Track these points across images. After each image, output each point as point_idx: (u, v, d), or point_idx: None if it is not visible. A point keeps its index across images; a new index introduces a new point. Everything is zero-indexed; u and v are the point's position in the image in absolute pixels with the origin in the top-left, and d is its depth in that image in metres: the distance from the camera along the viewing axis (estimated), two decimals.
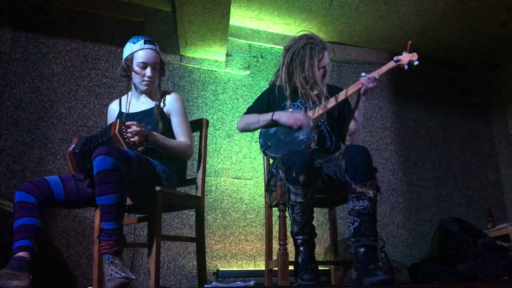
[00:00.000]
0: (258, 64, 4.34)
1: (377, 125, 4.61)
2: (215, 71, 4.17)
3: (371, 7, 4.17)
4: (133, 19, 4.03)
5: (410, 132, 4.74)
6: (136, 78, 2.33)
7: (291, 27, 4.41)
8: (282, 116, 2.33)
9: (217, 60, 4.16)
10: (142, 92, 2.38)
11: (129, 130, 2.08)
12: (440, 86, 5.04)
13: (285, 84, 2.45)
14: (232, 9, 3.73)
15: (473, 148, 4.96)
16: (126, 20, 4.01)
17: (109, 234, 1.82)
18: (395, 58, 2.52)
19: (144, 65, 2.29)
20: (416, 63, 2.51)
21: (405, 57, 2.51)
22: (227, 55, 4.20)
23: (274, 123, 2.37)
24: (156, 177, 2.13)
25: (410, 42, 2.54)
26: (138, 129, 2.09)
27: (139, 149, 2.09)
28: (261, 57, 4.36)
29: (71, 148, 2.10)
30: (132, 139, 2.07)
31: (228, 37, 4.09)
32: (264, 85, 4.21)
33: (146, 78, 2.30)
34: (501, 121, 5.07)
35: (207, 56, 4.10)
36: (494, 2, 4.09)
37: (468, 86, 5.19)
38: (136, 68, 2.30)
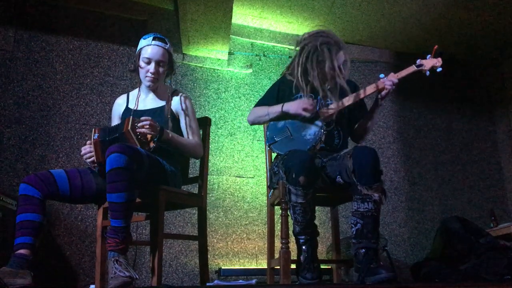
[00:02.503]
0: (260, 63, 4.34)
1: (380, 124, 4.60)
2: (218, 69, 4.17)
3: (374, 6, 4.16)
4: (135, 17, 4.03)
5: (412, 131, 4.73)
6: (141, 73, 2.33)
7: (293, 26, 4.41)
8: (291, 107, 2.28)
9: (219, 59, 4.16)
10: (150, 89, 2.37)
11: (141, 124, 2.06)
12: (442, 84, 5.02)
13: (301, 80, 2.36)
14: (234, 8, 3.73)
15: (476, 146, 4.94)
16: (128, 19, 4.01)
17: (116, 232, 1.83)
18: (418, 62, 2.35)
19: (148, 61, 2.29)
20: (439, 69, 2.33)
21: (429, 62, 2.33)
22: (230, 53, 4.19)
23: (284, 114, 2.32)
24: (164, 176, 2.14)
25: (436, 46, 2.33)
26: (151, 124, 2.08)
27: (151, 145, 2.08)
28: (264, 55, 4.36)
29: (95, 136, 2.07)
30: (144, 132, 2.06)
31: (231, 36, 4.09)
32: (267, 84, 4.20)
33: (149, 74, 2.29)
34: (504, 120, 5.05)
35: (209, 54, 4.10)
36: (498, 1, 4.07)
37: (471, 85, 5.17)
38: (141, 63, 2.31)
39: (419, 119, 4.81)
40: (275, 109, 2.35)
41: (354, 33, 4.57)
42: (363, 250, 1.90)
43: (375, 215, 1.96)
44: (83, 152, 2.12)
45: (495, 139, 5.06)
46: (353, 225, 1.98)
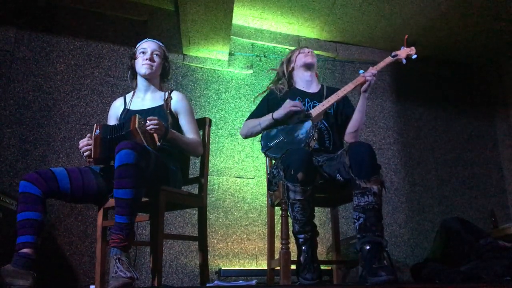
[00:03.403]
0: (260, 63, 4.34)
1: (380, 125, 4.60)
2: (218, 70, 4.18)
3: (374, 7, 4.16)
4: (136, 18, 4.03)
5: (412, 132, 4.73)
6: (137, 65, 2.40)
7: (294, 27, 4.41)
8: (280, 111, 2.40)
9: (220, 59, 4.16)
10: (147, 79, 2.40)
11: (149, 123, 2.07)
12: (443, 85, 5.02)
13: (284, 77, 2.66)
14: (235, 8, 3.73)
15: (476, 148, 4.94)
16: (129, 19, 4.01)
17: (121, 228, 1.83)
18: (392, 53, 2.54)
19: (144, 51, 2.39)
20: (414, 56, 2.53)
21: (403, 52, 2.54)
22: (230, 54, 4.20)
23: (275, 122, 2.40)
24: (167, 175, 2.15)
25: (406, 36, 2.58)
26: (158, 123, 2.10)
27: (157, 144, 2.09)
28: (264, 56, 4.36)
29: (97, 133, 2.08)
30: (150, 131, 2.07)
31: (231, 36, 4.09)
32: (267, 84, 4.19)
33: (145, 61, 2.35)
34: (504, 121, 5.06)
35: (210, 55, 4.10)
36: (497, 2, 4.07)
37: (471, 86, 5.18)
38: (137, 55, 2.40)
39: (420, 120, 4.81)
40: (266, 118, 2.46)
41: (354, 34, 4.58)
42: (368, 246, 1.89)
43: (377, 208, 1.95)
44: (81, 145, 2.11)
45: (495, 140, 5.07)
46: (355, 220, 1.97)
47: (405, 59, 2.53)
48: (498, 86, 5.17)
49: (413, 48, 2.54)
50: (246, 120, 2.60)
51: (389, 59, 2.53)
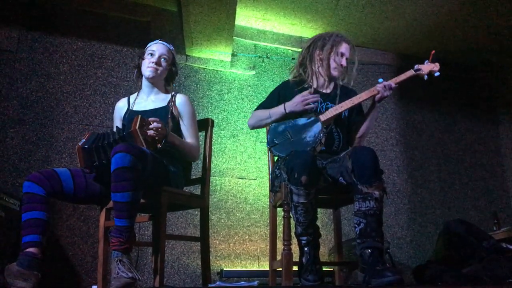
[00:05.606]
0: (263, 64, 4.34)
1: (382, 126, 4.59)
2: (221, 71, 4.18)
3: (377, 8, 4.16)
4: (139, 18, 4.04)
5: (415, 134, 4.72)
6: (143, 65, 2.39)
7: (296, 28, 4.41)
8: (293, 106, 2.32)
9: (222, 60, 4.16)
10: (150, 83, 2.40)
11: (150, 126, 2.06)
12: (446, 87, 5.01)
13: (303, 72, 2.51)
14: (238, 9, 3.74)
15: (479, 150, 4.93)
16: (132, 20, 4.02)
17: (120, 231, 1.83)
18: (415, 67, 2.42)
19: (152, 53, 2.38)
20: (437, 74, 2.40)
21: (426, 67, 2.42)
22: (233, 55, 4.20)
23: (287, 115, 2.35)
24: (167, 177, 2.14)
25: (433, 51, 2.43)
26: (159, 125, 2.09)
27: (158, 146, 2.08)
28: (267, 57, 4.36)
29: (81, 142, 2.07)
30: (151, 135, 2.06)
31: (234, 37, 4.10)
32: (270, 85, 4.21)
33: (151, 64, 2.35)
34: (507, 123, 5.04)
35: (212, 56, 4.11)
36: (501, 4, 4.06)
37: (475, 88, 5.16)
38: (145, 56, 2.40)
39: (422, 122, 4.80)
40: (277, 110, 2.38)
41: (357, 35, 4.57)
42: (369, 250, 1.89)
43: (378, 214, 1.95)
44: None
45: (498, 142, 5.05)
46: (356, 225, 1.97)
47: (427, 75, 2.41)
48: (502, 89, 5.15)
49: (437, 64, 2.40)
50: (255, 110, 2.52)
51: (410, 73, 2.41)
